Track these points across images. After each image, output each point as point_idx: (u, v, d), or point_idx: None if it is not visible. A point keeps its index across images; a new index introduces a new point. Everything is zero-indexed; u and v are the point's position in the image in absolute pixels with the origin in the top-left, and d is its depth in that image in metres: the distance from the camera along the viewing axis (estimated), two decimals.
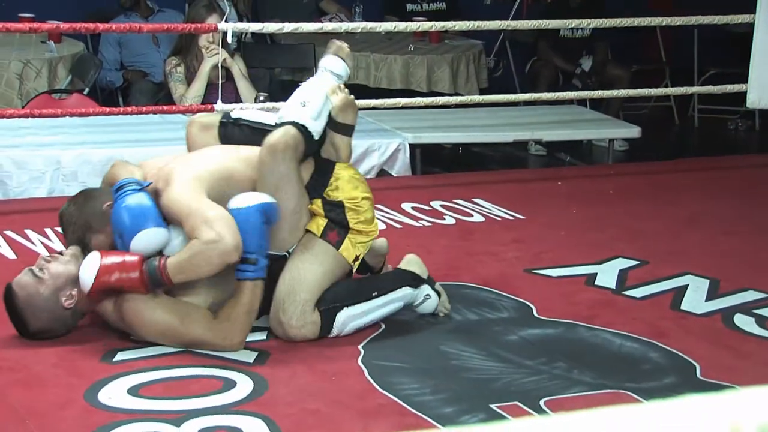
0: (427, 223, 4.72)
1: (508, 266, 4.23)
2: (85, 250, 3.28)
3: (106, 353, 3.23)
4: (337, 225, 3.48)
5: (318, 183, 3.51)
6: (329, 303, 3.41)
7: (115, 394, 3.01)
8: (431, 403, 3.06)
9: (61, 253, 3.29)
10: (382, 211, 4.74)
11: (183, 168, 3.35)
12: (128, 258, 3.17)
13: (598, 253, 4.39)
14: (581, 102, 7.21)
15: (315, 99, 3.55)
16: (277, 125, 3.48)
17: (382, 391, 3.12)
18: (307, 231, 3.45)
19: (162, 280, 3.17)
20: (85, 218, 3.33)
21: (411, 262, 3.70)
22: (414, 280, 3.60)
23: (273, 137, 3.39)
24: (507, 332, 3.59)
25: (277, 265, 3.40)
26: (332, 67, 3.71)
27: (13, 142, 4.99)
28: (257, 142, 3.48)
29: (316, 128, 3.49)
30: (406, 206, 4.90)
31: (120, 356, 3.23)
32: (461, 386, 3.19)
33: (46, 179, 4.87)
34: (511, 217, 4.86)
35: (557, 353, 3.44)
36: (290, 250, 3.43)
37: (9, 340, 3.25)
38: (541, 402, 3.10)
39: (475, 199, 5.04)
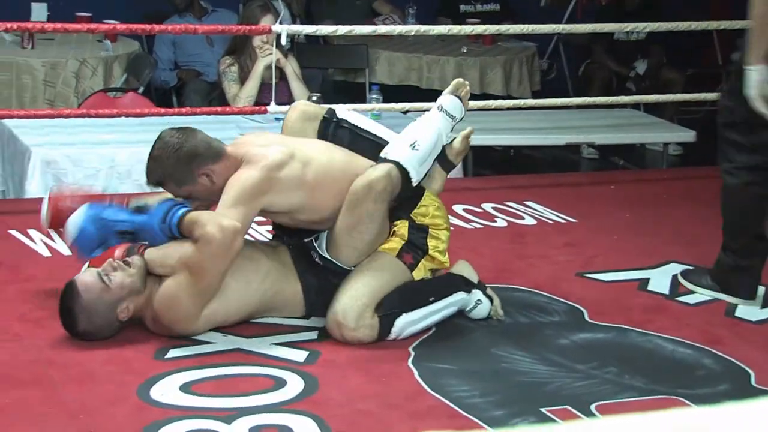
0: (478, 226, 4.71)
1: (559, 270, 4.21)
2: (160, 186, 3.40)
3: (158, 350, 3.25)
4: (414, 249, 3.49)
5: (407, 206, 3.53)
6: (388, 309, 3.40)
7: (167, 390, 3.03)
8: (481, 406, 3.05)
9: (128, 264, 3.26)
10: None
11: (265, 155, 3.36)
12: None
13: (651, 257, 4.35)
14: (635, 106, 7.16)
15: (426, 143, 3.53)
16: (382, 160, 3.46)
17: (432, 393, 3.11)
18: (380, 251, 3.46)
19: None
20: (173, 168, 3.34)
21: (462, 267, 3.68)
22: (466, 285, 3.59)
23: (375, 174, 3.38)
24: (558, 336, 3.57)
25: (336, 271, 3.44)
26: (449, 107, 3.67)
27: (69, 140, 5.04)
28: (356, 148, 3.53)
29: (417, 175, 3.47)
30: (458, 208, 4.89)
31: (172, 353, 3.25)
32: (512, 389, 3.18)
33: (100, 177, 4.91)
34: (563, 221, 4.84)
35: (609, 358, 3.42)
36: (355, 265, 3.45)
37: (62, 336, 3.28)
38: (592, 406, 3.08)
39: (526, 202, 5.02)
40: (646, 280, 4.11)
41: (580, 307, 3.82)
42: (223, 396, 3.02)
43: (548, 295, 3.92)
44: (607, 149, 6.95)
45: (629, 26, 6.13)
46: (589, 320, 3.73)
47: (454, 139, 3.77)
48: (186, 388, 3.05)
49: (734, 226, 3.91)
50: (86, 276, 3.27)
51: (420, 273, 3.51)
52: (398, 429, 2.92)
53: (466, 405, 3.05)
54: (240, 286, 3.35)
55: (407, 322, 3.42)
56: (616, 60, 7.52)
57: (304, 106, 3.75)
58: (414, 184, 3.47)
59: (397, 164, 3.42)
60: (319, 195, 3.39)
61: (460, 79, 3.75)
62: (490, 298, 3.64)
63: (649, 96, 6.63)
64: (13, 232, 4.25)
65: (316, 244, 3.48)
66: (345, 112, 3.74)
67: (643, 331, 3.65)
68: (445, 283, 3.59)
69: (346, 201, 3.38)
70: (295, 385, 3.11)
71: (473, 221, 4.73)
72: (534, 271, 4.16)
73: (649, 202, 5.22)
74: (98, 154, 4.93)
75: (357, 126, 3.66)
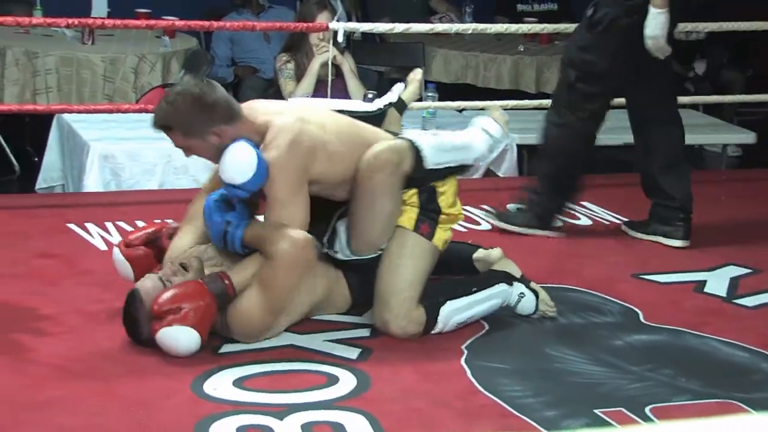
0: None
1: (615, 270, 4.17)
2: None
3: (212, 345, 3.26)
4: (428, 214, 3.43)
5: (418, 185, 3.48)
6: (431, 298, 3.41)
7: (220, 385, 3.04)
8: (534, 406, 3.03)
9: (186, 268, 3.23)
10: (489, 211, 4.71)
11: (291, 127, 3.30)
12: (187, 288, 3.16)
13: (709, 259, 4.31)
14: (694, 106, 7.07)
15: (450, 137, 3.55)
16: (396, 136, 3.48)
17: (484, 392, 3.10)
18: (398, 226, 3.41)
19: (228, 296, 3.20)
20: (186, 117, 3.25)
21: (504, 264, 3.68)
22: (508, 278, 3.59)
23: (380, 146, 3.36)
24: (613, 337, 3.55)
25: (370, 264, 3.41)
26: (488, 127, 3.67)
27: (127, 135, 5.08)
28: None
29: (432, 159, 3.41)
30: (513, 207, 4.86)
31: (226, 348, 3.26)
32: (565, 390, 3.16)
33: (157, 172, 4.95)
34: (619, 221, 4.80)
35: (664, 360, 3.39)
36: (382, 248, 3.42)
37: (117, 331, 3.31)
38: (647, 409, 3.05)
39: (582, 202, 4.99)
40: (703, 282, 4.07)
41: (635, 309, 3.79)
42: (275, 392, 3.03)
43: (603, 295, 3.89)
44: None
45: (689, 25, 6.06)
46: (645, 322, 3.70)
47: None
48: (239, 383, 3.07)
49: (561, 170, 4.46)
50: (147, 282, 3.22)
51: (441, 236, 3.45)
52: (450, 428, 2.91)
53: (519, 405, 3.03)
54: (302, 293, 3.33)
55: (452, 311, 3.42)
56: (675, 60, 7.43)
57: None
58: (427, 167, 3.40)
59: (409, 141, 3.41)
60: (337, 158, 3.33)
61: (501, 111, 3.75)
62: (535, 293, 3.62)
63: (709, 96, 6.56)
64: (71, 226, 4.29)
65: (335, 250, 3.43)
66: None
67: (699, 333, 3.61)
68: (485, 276, 3.61)
69: (357, 179, 3.33)
70: (347, 381, 3.11)
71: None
72: (589, 272, 4.13)
73: (707, 203, 5.15)
74: (155, 149, 4.97)
75: (350, 110, 3.67)
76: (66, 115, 5.22)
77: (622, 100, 6.25)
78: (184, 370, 3.10)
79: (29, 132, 6.52)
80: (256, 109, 3.40)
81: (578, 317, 3.69)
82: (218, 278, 3.19)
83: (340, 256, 3.43)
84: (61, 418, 2.82)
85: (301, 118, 3.32)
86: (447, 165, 3.47)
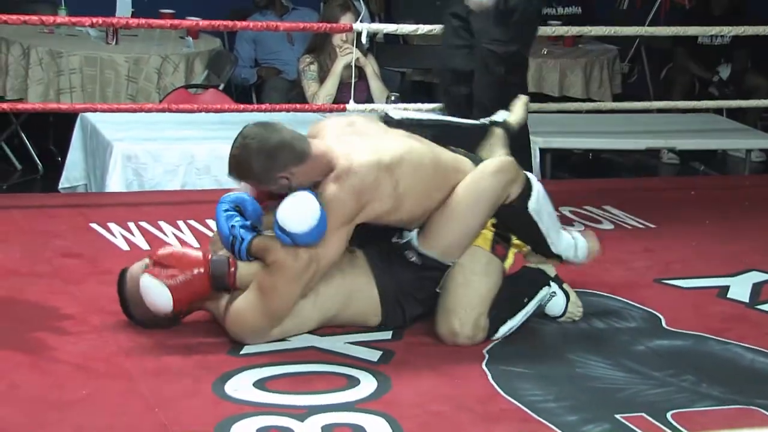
0: None
1: (637, 275, 4.16)
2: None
3: (233, 346, 3.27)
4: (502, 239, 3.48)
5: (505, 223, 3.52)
6: (494, 316, 3.44)
7: (241, 386, 3.05)
8: (555, 411, 3.03)
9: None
10: None
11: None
12: (190, 254, 3.24)
13: (731, 265, 4.28)
14: (718, 111, 7.05)
15: (556, 223, 3.62)
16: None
17: (505, 396, 3.09)
18: (474, 246, 3.43)
19: (226, 281, 3.22)
20: (253, 167, 3.22)
21: (535, 258, 3.67)
22: (547, 279, 3.61)
23: (506, 157, 3.50)
24: (634, 342, 3.53)
25: (440, 272, 3.41)
26: (580, 246, 3.70)
27: (150, 135, 5.09)
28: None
29: (535, 205, 3.47)
30: None
31: (247, 349, 3.26)
32: (586, 395, 3.15)
33: (179, 172, 4.96)
34: (641, 226, 4.78)
35: (686, 366, 3.37)
36: (449, 261, 3.41)
37: (139, 330, 3.32)
38: (668, 414, 3.04)
39: (605, 207, 4.97)
40: (726, 288, 4.05)
41: (658, 314, 3.77)
42: (296, 393, 3.03)
43: (625, 300, 3.87)
44: (688, 155, 6.86)
45: (713, 30, 6.04)
46: (667, 327, 3.68)
47: None
48: (260, 384, 3.07)
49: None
50: (136, 265, 3.32)
51: (510, 261, 3.52)
52: (470, 431, 2.91)
53: (540, 409, 3.02)
54: (309, 302, 3.29)
55: (509, 329, 3.48)
56: (699, 64, 7.41)
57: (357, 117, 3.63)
58: (529, 207, 3.45)
59: (527, 178, 3.47)
60: (408, 200, 3.32)
61: (598, 245, 3.76)
62: (567, 294, 3.62)
63: (733, 101, 6.53)
64: (94, 225, 4.31)
65: (412, 242, 3.41)
66: (397, 112, 3.70)
67: (722, 339, 3.59)
68: (532, 282, 3.59)
69: (471, 180, 3.38)
70: (368, 384, 3.11)
71: None
72: (611, 276, 4.11)
73: (730, 208, 5.14)
74: (178, 150, 4.98)
75: (417, 119, 3.65)
76: (89, 115, 5.24)
77: (645, 105, 6.24)
78: (205, 372, 3.11)
79: (53, 132, 6.56)
80: (327, 135, 3.35)
81: (600, 322, 3.67)
82: (224, 261, 3.22)
83: (415, 248, 3.40)
84: (83, 417, 2.83)
85: (373, 163, 3.24)
86: (537, 223, 3.50)
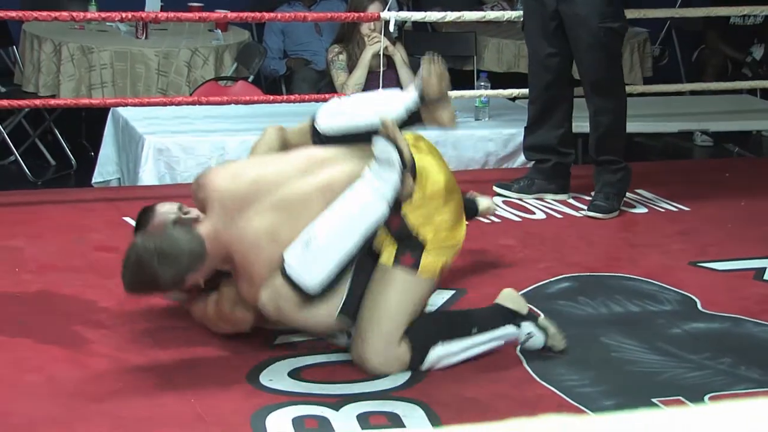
0: (589, 214, 4.64)
1: (671, 258, 4.13)
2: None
3: (267, 336, 3.28)
4: (410, 247, 3.06)
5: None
6: (422, 337, 3.08)
7: (276, 376, 3.05)
8: (591, 395, 3.01)
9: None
10: (544, 200, 4.69)
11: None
12: None
13: (767, 247, 4.24)
14: (751, 91, 6.98)
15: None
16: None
17: (541, 382, 3.08)
18: (379, 265, 3.06)
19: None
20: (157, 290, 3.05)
21: (508, 297, 3.26)
22: (515, 318, 3.20)
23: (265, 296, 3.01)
24: (670, 325, 3.51)
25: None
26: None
27: (181, 128, 5.11)
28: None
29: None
30: (566, 196, 4.83)
31: (281, 339, 3.27)
32: (622, 379, 3.13)
33: (211, 165, 4.96)
34: (675, 209, 4.75)
35: (723, 348, 3.35)
36: None
37: (175, 322, 3.33)
38: (706, 398, 3.02)
39: (638, 190, 4.94)
40: (762, 270, 4.02)
41: (693, 297, 3.75)
42: (331, 383, 3.03)
43: (660, 284, 3.85)
44: (722, 136, 6.80)
45: (745, 9, 5.98)
46: (703, 310, 3.66)
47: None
48: (295, 374, 3.07)
49: None
50: (166, 205, 3.37)
51: (433, 262, 3.06)
52: (506, 418, 2.89)
53: (576, 394, 3.01)
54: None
55: (444, 354, 3.10)
56: (731, 45, 7.34)
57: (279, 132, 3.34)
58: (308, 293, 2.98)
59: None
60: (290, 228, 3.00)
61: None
62: (545, 330, 3.22)
63: (766, 81, 6.47)
64: (128, 219, 4.32)
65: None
66: (325, 115, 3.23)
67: (759, 321, 3.56)
68: (491, 315, 3.22)
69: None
70: (403, 372, 3.10)
71: (583, 209, 4.67)
72: (645, 260, 4.09)
73: (765, 190, 5.09)
74: (209, 143, 5.00)
75: (338, 129, 3.18)
76: (121, 109, 5.26)
77: (677, 87, 6.18)
78: (240, 362, 3.12)
79: (85, 127, 6.60)
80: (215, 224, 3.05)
81: (635, 306, 3.65)
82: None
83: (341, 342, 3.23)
84: (119, 409, 2.85)
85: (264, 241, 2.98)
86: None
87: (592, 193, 4.63)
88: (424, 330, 3.10)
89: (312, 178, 3.07)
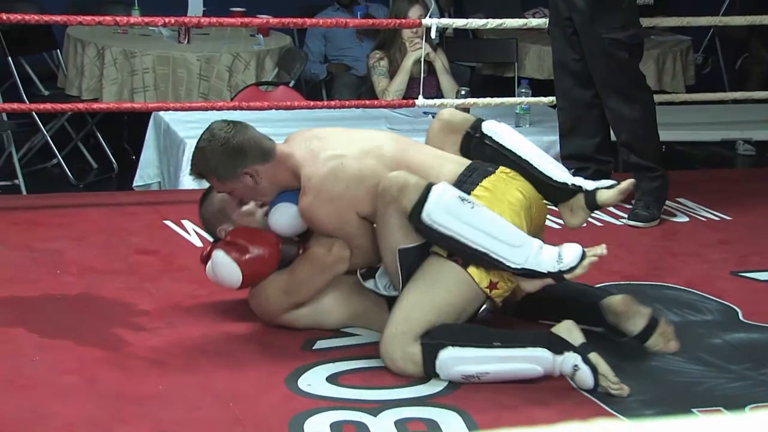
0: (630, 222, 4.62)
1: (713, 268, 4.10)
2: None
3: (306, 341, 3.28)
4: None
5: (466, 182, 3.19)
6: (433, 337, 3.03)
7: (314, 381, 3.06)
8: (631, 405, 2.99)
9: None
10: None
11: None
12: (263, 233, 3.27)
13: None
14: None
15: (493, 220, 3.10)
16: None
17: (580, 391, 3.06)
18: (433, 252, 3.13)
19: None
20: (217, 163, 3.21)
21: (563, 328, 3.07)
22: (556, 344, 3.02)
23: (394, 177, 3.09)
24: (711, 335, 3.49)
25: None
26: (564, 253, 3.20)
27: None
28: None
29: (429, 216, 3.04)
30: None
31: (320, 344, 3.28)
32: (662, 389, 3.11)
33: None
34: (717, 218, 4.72)
35: (764, 359, 3.32)
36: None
37: (214, 326, 3.35)
38: (747, 408, 3.00)
39: (679, 199, 4.91)
40: None
41: (735, 307, 3.72)
42: (369, 388, 3.03)
43: (701, 293, 3.82)
44: (765, 145, 6.75)
45: None
46: (744, 320, 3.62)
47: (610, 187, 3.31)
48: (333, 379, 3.08)
49: None
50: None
51: (484, 272, 3.08)
52: (544, 425, 2.88)
53: (615, 403, 2.99)
54: (330, 297, 3.31)
55: (454, 358, 3.01)
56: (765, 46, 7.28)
57: (450, 116, 3.38)
58: (422, 220, 3.02)
59: (427, 189, 3.04)
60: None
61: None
62: (594, 367, 3.01)
63: None
64: (168, 223, 4.35)
65: (380, 287, 3.28)
66: (493, 125, 3.35)
67: None
68: (527, 336, 3.07)
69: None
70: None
71: (624, 217, 4.64)
72: (686, 269, 4.06)
73: None
74: None
75: (501, 145, 3.28)
76: (162, 114, 5.30)
77: (720, 95, 6.14)
78: (278, 367, 3.13)
79: (127, 130, 6.65)
80: (296, 141, 3.33)
81: (676, 315, 3.63)
82: (294, 245, 3.29)
83: (370, 285, 3.31)
84: (159, 412, 2.87)
85: (335, 161, 3.17)
86: (440, 230, 3.03)
87: (633, 202, 4.60)
88: (438, 331, 3.05)
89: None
